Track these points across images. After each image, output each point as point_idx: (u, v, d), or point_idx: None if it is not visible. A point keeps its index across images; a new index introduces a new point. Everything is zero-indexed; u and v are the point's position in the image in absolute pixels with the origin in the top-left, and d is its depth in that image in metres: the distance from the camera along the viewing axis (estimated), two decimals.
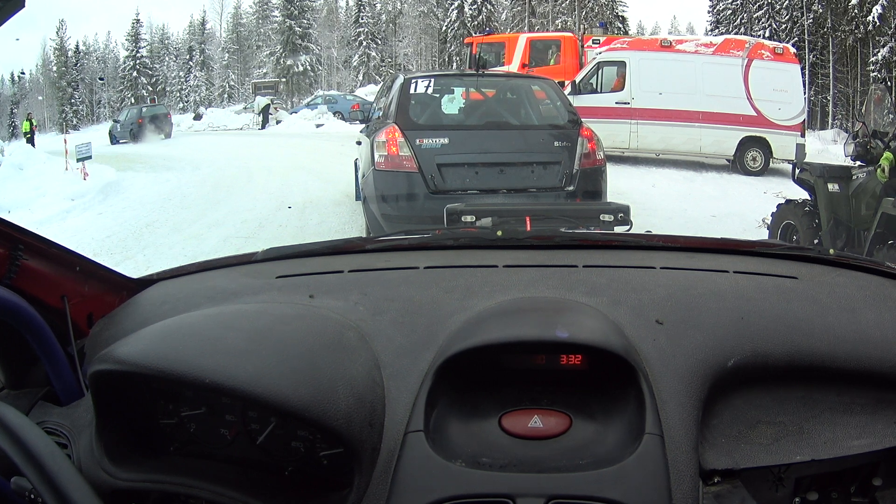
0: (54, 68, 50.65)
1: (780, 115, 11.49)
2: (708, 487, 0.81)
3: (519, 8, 39.44)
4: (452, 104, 6.39)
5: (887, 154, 4.54)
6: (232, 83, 48.51)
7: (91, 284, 1.15)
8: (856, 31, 28.08)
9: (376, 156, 4.98)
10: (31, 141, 22.65)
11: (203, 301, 1.12)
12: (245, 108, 31.88)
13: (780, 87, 11.50)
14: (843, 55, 30.34)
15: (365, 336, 0.96)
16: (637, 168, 11.54)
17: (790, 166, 8.44)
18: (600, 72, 12.13)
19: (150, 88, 46.49)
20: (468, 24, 38.58)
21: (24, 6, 0.92)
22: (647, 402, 0.82)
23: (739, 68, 11.53)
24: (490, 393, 0.89)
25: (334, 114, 25.23)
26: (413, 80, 5.75)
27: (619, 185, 8.53)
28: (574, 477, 0.76)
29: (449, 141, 5.01)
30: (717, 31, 33.35)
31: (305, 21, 43.54)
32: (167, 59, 49.72)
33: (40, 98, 49.21)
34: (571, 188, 5.02)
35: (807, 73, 25.53)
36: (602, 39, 16.24)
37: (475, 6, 39.23)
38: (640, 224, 3.96)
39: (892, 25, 26.37)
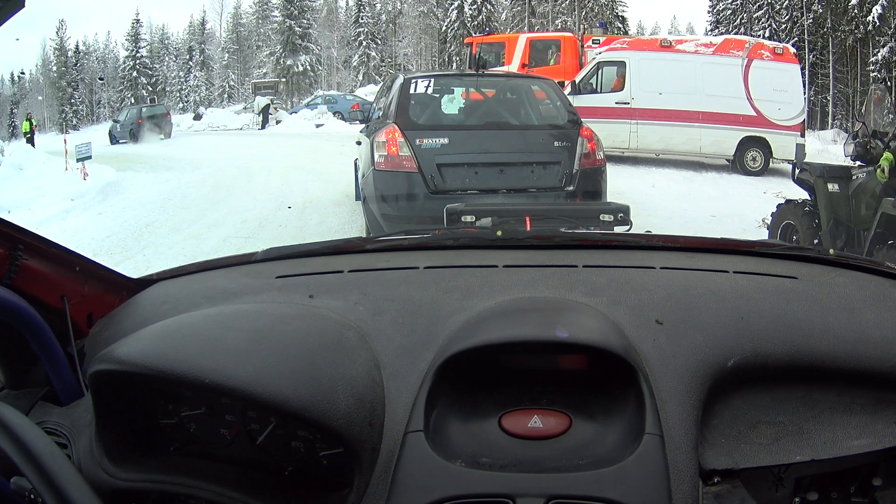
0: (54, 68, 50.65)
1: (780, 115, 11.50)
2: (708, 487, 0.81)
3: (519, 8, 39.44)
4: (452, 104, 6.39)
5: (887, 154, 4.54)
6: (232, 83, 48.51)
7: (91, 284, 1.15)
8: (856, 31, 28.08)
9: (376, 156, 4.98)
10: (30, 141, 22.64)
11: (203, 301, 1.12)
12: (245, 108, 31.88)
13: (780, 87, 11.50)
14: (843, 55, 30.34)
15: (365, 336, 0.96)
16: (637, 168, 11.54)
17: (790, 166, 8.45)
18: (600, 72, 12.13)
19: (150, 88, 46.49)
20: (468, 24, 38.58)
21: (24, 6, 0.92)
22: (646, 402, 0.82)
23: (739, 68, 11.53)
24: (490, 393, 0.89)
25: (334, 114, 25.24)
26: (413, 80, 5.75)
27: (619, 185, 8.54)
28: (574, 477, 0.76)
29: (449, 141, 5.01)
30: (716, 31, 33.35)
31: (305, 21, 43.55)
32: (167, 59, 49.72)
33: (40, 98, 49.22)
34: (571, 188, 5.02)
35: (807, 73, 25.54)
36: (602, 39, 16.24)
37: (475, 6, 39.24)
38: (640, 224, 3.96)
39: (892, 25, 26.38)
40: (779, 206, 5.74)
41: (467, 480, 0.76)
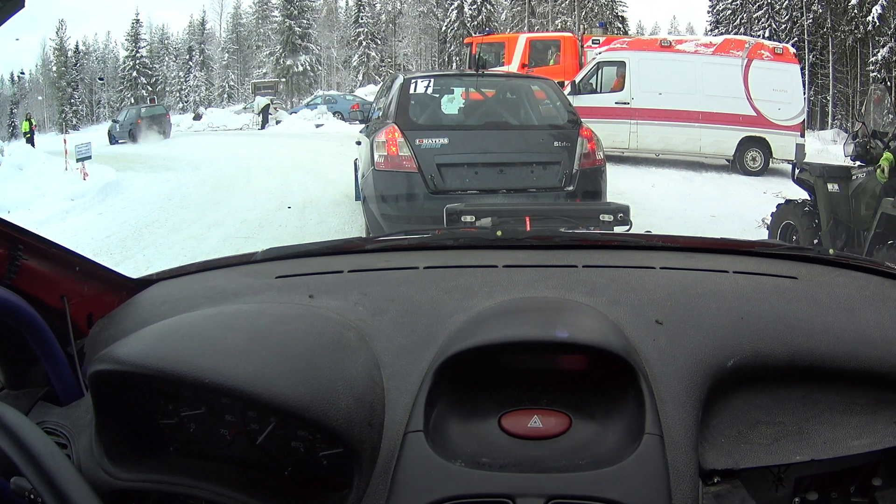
0: (54, 68, 50.66)
1: (780, 115, 11.50)
2: (708, 487, 0.81)
3: (519, 8, 39.46)
4: (452, 104, 6.40)
5: (887, 154, 4.54)
6: (232, 83, 48.53)
7: (91, 284, 1.15)
8: (855, 31, 28.10)
9: (376, 156, 4.98)
10: (30, 141, 22.66)
11: (203, 301, 1.12)
12: (245, 108, 31.88)
13: (780, 87, 11.50)
14: (842, 55, 30.35)
15: (365, 336, 0.96)
16: (637, 168, 11.54)
17: (790, 166, 8.45)
18: (600, 72, 12.13)
19: (150, 88, 46.50)
20: (468, 25, 38.60)
21: (24, 6, 0.92)
22: (646, 402, 0.82)
23: (739, 68, 11.53)
24: (490, 393, 0.89)
25: (334, 114, 25.23)
26: (413, 80, 5.75)
27: (619, 185, 8.54)
28: (574, 477, 0.76)
29: (449, 141, 5.01)
30: (716, 31, 33.37)
31: (305, 21, 43.56)
32: (167, 59, 49.74)
33: (40, 98, 49.23)
34: (571, 188, 5.02)
35: (806, 73, 25.54)
36: (602, 39, 16.25)
37: (475, 6, 39.25)
38: (640, 224, 3.96)
39: (892, 25, 26.38)
40: (779, 206, 5.74)
41: (467, 480, 0.76)
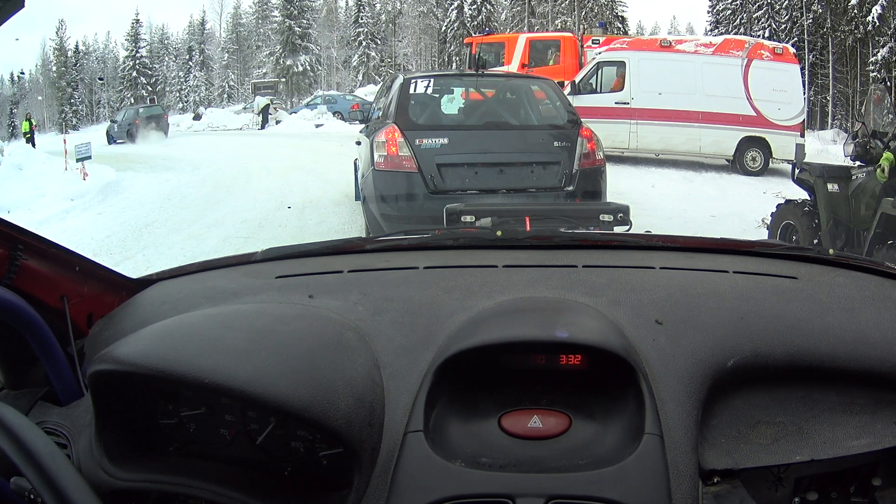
0: (54, 68, 50.67)
1: (780, 115, 11.50)
2: (707, 487, 0.81)
3: (518, 8, 39.46)
4: (452, 104, 6.40)
5: (887, 154, 4.54)
6: (231, 83, 48.53)
7: (91, 284, 1.15)
8: (855, 31, 28.11)
9: (376, 156, 4.98)
10: (30, 141, 22.70)
11: (202, 301, 1.12)
12: (245, 109, 31.90)
13: (780, 87, 11.50)
14: (842, 55, 30.36)
15: (364, 336, 0.96)
16: (636, 168, 11.54)
17: (790, 166, 8.44)
18: (600, 72, 12.13)
19: (150, 88, 46.51)
20: (468, 25, 38.61)
21: (23, 6, 0.92)
22: (646, 402, 0.82)
23: (739, 68, 11.53)
24: (490, 393, 0.89)
25: (334, 114, 25.23)
26: (413, 80, 5.75)
27: (619, 185, 8.53)
28: (573, 477, 0.76)
29: (448, 141, 5.01)
30: (716, 31, 33.38)
31: (305, 21, 43.56)
32: (167, 59, 49.74)
33: (40, 98, 49.24)
34: (571, 188, 5.02)
35: (806, 73, 25.54)
36: (602, 39, 16.25)
37: (475, 6, 39.25)
38: (640, 224, 3.96)
39: (892, 25, 26.38)
40: (778, 206, 5.74)
41: (467, 480, 0.76)
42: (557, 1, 37.83)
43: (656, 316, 0.98)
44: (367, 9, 44.68)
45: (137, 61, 48.10)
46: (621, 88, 11.77)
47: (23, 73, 51.76)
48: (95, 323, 1.14)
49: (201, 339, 0.88)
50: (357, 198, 6.79)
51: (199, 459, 0.89)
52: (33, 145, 20.53)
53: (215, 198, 9.76)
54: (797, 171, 5.64)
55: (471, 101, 6.30)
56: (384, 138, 4.96)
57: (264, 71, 43.92)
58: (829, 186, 5.07)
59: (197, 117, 32.03)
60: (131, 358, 0.84)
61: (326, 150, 14.67)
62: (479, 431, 0.84)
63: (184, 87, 48.45)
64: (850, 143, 5.27)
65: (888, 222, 4.49)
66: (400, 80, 5.61)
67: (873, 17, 26.57)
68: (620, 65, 11.89)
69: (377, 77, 38.79)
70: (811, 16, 30.09)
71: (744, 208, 8.01)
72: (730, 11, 34.88)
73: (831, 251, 1.30)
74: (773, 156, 11.56)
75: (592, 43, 16.11)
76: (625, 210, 2.35)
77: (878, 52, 26.92)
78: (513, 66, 15.89)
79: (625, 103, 11.66)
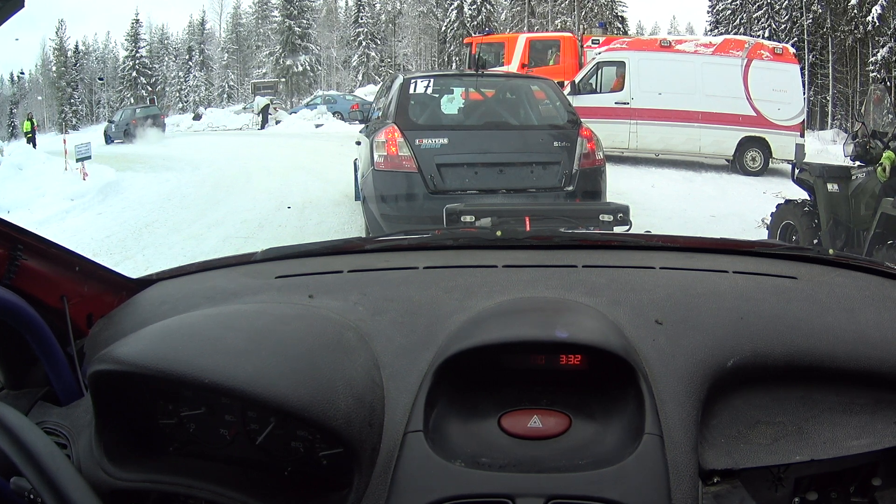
0: (54, 68, 50.67)
1: (780, 115, 11.50)
2: (707, 487, 0.81)
3: (518, 8, 39.46)
4: (452, 104, 6.40)
5: (888, 153, 4.55)
6: (231, 83, 48.52)
7: (90, 285, 1.15)
8: (855, 31, 28.11)
9: (376, 156, 4.98)
10: (31, 141, 22.76)
11: (202, 301, 1.12)
12: (244, 109, 31.90)
13: (780, 87, 11.50)
14: (842, 55, 30.37)
15: (364, 336, 0.96)
16: (636, 168, 11.54)
17: (789, 166, 8.45)
18: (600, 72, 12.13)
19: (150, 88, 46.51)
20: (467, 25, 38.61)
21: (23, 6, 0.92)
22: (646, 402, 0.82)
23: (739, 68, 11.53)
24: (489, 393, 0.89)
25: (334, 114, 25.23)
26: (412, 80, 5.75)
27: (619, 185, 8.53)
28: (573, 477, 0.76)
29: (448, 141, 5.01)
30: (716, 31, 33.38)
31: (305, 21, 43.55)
32: (166, 59, 49.73)
33: (40, 98, 49.24)
34: (571, 188, 5.02)
35: (806, 73, 25.55)
36: (601, 39, 16.25)
37: (475, 6, 39.25)
38: (640, 224, 3.96)
39: (892, 25, 26.39)
40: (778, 206, 5.74)
41: (467, 480, 0.76)
42: (557, 1, 37.84)
43: (656, 316, 0.98)
44: (366, 9, 44.67)
45: (137, 61, 48.10)
46: (621, 88, 11.77)
47: (23, 73, 51.87)
48: (95, 323, 1.14)
49: (201, 339, 0.88)
50: (357, 198, 6.79)
51: (199, 459, 0.89)
52: (34, 145, 20.56)
53: (215, 198, 9.76)
54: (797, 171, 5.64)
55: (471, 101, 6.30)
56: (384, 138, 4.96)
57: (264, 71, 43.92)
58: (829, 186, 5.07)
59: (197, 117, 32.04)
60: (131, 358, 0.84)
61: (326, 150, 14.67)
62: (478, 431, 0.84)
63: (184, 87, 48.44)
64: (850, 143, 5.27)
65: (888, 222, 4.49)
66: (400, 80, 5.61)
67: (873, 17, 26.58)
68: (620, 65, 11.89)
69: (377, 77, 38.79)
70: (811, 16, 30.10)
71: (744, 208, 8.01)
72: (730, 11, 34.89)
73: (831, 251, 1.30)
74: (773, 156, 11.56)
75: (592, 43, 16.11)
76: (625, 210, 2.35)
77: (878, 52, 26.93)
78: (512, 66, 15.89)
79: (624, 103, 11.66)
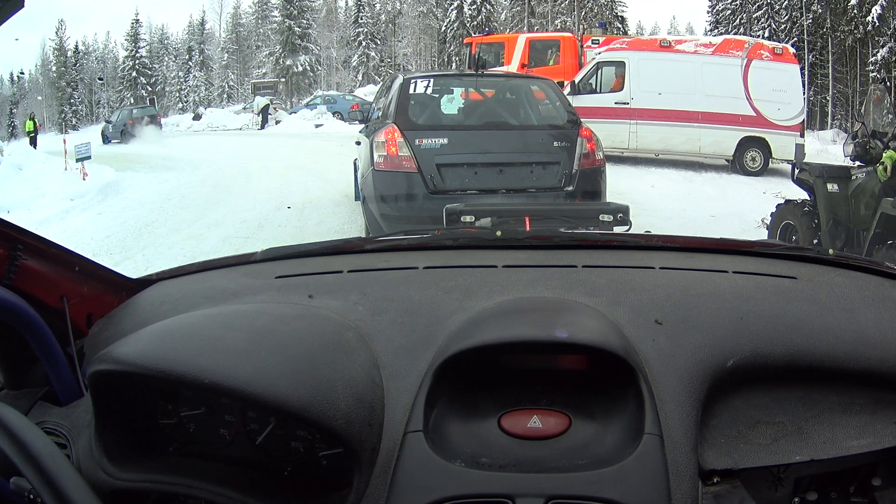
0: (53, 68, 50.64)
1: (780, 115, 11.50)
2: (707, 487, 0.81)
3: (518, 8, 39.46)
4: (452, 104, 6.40)
5: (889, 152, 4.55)
6: (231, 83, 48.51)
7: (90, 285, 1.15)
8: (855, 31, 28.11)
9: (375, 156, 4.98)
10: (34, 140, 22.92)
11: (202, 301, 1.12)
12: (244, 109, 31.92)
13: (780, 87, 11.50)
14: (842, 55, 30.37)
15: (364, 336, 0.96)
16: (636, 168, 11.54)
17: (789, 166, 8.45)
18: (599, 72, 12.13)
19: (150, 88, 46.51)
20: (467, 25, 38.61)
21: (23, 6, 0.92)
22: (646, 402, 0.82)
23: (739, 68, 11.53)
24: (489, 393, 0.89)
25: (333, 114, 25.22)
26: (412, 81, 5.75)
27: (619, 185, 8.53)
28: (573, 477, 0.76)
29: (448, 141, 5.01)
30: (716, 31, 33.39)
31: (305, 21, 43.53)
32: (166, 59, 49.71)
33: (39, 98, 49.21)
34: (571, 188, 5.02)
35: (806, 73, 25.55)
36: (601, 40, 16.25)
37: (474, 6, 39.25)
38: (640, 224, 3.96)
39: (892, 26, 26.39)
40: (778, 206, 5.75)
41: (467, 480, 0.76)
42: (557, 1, 37.85)
43: (656, 316, 0.98)
44: (366, 9, 44.66)
45: (137, 61, 48.08)
46: (621, 88, 11.78)
47: (22, 73, 51.84)
48: (95, 323, 1.14)
49: (201, 339, 0.88)
50: (357, 198, 6.79)
51: (198, 459, 0.89)
52: (35, 145, 20.63)
53: (215, 198, 9.76)
54: (797, 171, 5.65)
55: (470, 101, 6.30)
56: (384, 138, 4.96)
57: (264, 71, 43.91)
58: (829, 186, 5.07)
59: (197, 117, 32.08)
60: (131, 358, 0.84)
61: (326, 150, 14.66)
62: (478, 431, 0.84)
63: (183, 87, 48.43)
64: (850, 143, 5.27)
65: (888, 222, 4.49)
66: (400, 80, 5.61)
67: (873, 18, 26.58)
68: (620, 65, 11.89)
69: (377, 77, 38.78)
70: (811, 16, 30.11)
71: (743, 208, 8.01)
72: (729, 11, 34.89)
73: (831, 251, 1.30)
74: (773, 156, 11.56)
75: (592, 43, 16.11)
76: (624, 210, 2.35)
77: (878, 52, 26.94)
78: (512, 67, 15.89)
79: (624, 103, 11.66)
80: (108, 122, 27.91)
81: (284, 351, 0.86)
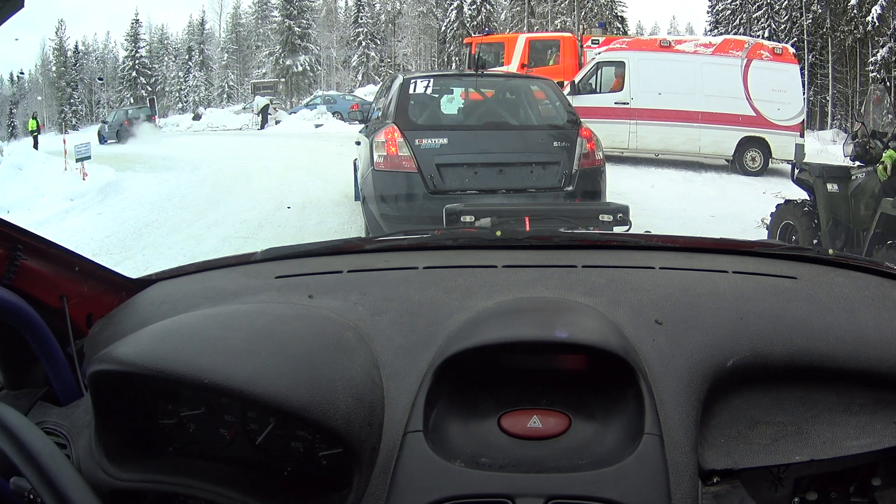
0: (53, 68, 50.61)
1: (780, 115, 11.50)
2: (707, 487, 0.81)
3: (518, 8, 39.47)
4: (451, 104, 6.40)
5: (890, 152, 4.55)
6: (231, 83, 48.49)
7: (90, 285, 1.15)
8: (855, 31, 28.12)
9: (375, 156, 4.98)
10: (36, 139, 23.06)
11: (202, 301, 1.12)
12: (244, 109, 31.93)
13: (780, 87, 11.51)
14: (842, 55, 30.38)
15: (364, 336, 0.96)
16: (636, 168, 11.54)
17: (789, 166, 8.46)
18: (599, 72, 12.14)
19: (150, 88, 46.49)
20: (467, 25, 38.62)
21: (23, 6, 0.92)
22: (646, 402, 0.82)
23: (738, 68, 11.54)
24: (489, 393, 0.89)
25: (333, 114, 25.22)
26: (412, 81, 5.75)
27: (619, 185, 8.53)
28: (573, 477, 0.76)
29: (448, 141, 5.01)
30: (716, 31, 33.39)
31: (304, 21, 43.52)
32: (166, 59, 49.69)
33: (39, 98, 49.17)
34: (570, 188, 5.03)
35: (806, 73, 25.55)
36: (601, 40, 16.25)
37: (474, 6, 39.26)
38: (640, 224, 3.96)
39: (892, 26, 26.40)
40: (778, 206, 5.75)
41: (466, 480, 0.76)
42: (557, 1, 37.85)
43: (656, 316, 0.98)
44: (366, 9, 44.64)
45: (137, 61, 48.05)
46: (621, 88, 11.78)
47: (22, 73, 51.77)
48: (95, 323, 1.14)
49: (201, 339, 0.88)
50: (357, 198, 6.79)
51: (198, 459, 0.89)
52: (37, 143, 20.71)
53: (215, 198, 9.76)
54: (797, 171, 5.65)
55: (470, 101, 6.30)
56: (384, 138, 4.96)
57: (264, 71, 43.90)
58: (829, 186, 5.07)
59: (196, 117, 32.10)
60: (131, 358, 0.84)
61: (326, 150, 14.66)
62: (478, 431, 0.84)
63: (183, 87, 48.41)
64: (850, 143, 5.27)
65: (888, 222, 4.49)
66: (399, 80, 5.61)
67: (873, 18, 26.58)
68: (620, 65, 11.90)
69: (377, 77, 38.77)
70: (811, 16, 30.11)
71: (743, 208, 8.01)
72: (729, 11, 34.89)
73: (831, 251, 1.30)
74: (773, 156, 11.57)
75: (592, 43, 16.11)
76: (624, 210, 2.35)
77: (878, 52, 26.94)
78: (512, 67, 15.89)
79: (624, 103, 11.67)
80: (104, 122, 28.34)
81: (284, 351, 0.86)
